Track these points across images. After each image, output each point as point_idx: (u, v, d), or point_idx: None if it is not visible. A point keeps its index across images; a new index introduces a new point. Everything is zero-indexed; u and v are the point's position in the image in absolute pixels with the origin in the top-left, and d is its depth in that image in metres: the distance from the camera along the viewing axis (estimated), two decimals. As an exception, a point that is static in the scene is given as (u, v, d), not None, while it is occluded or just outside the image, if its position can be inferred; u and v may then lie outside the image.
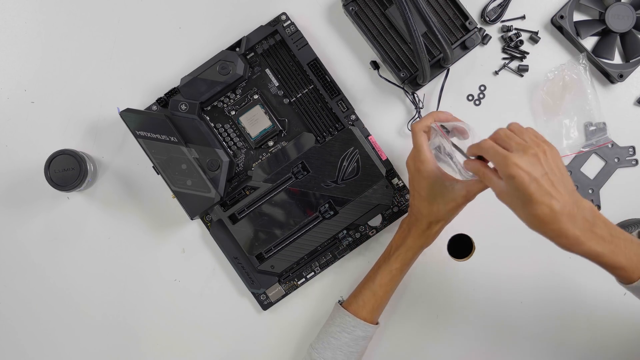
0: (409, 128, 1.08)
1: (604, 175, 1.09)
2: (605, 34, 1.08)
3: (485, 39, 1.10)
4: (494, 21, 1.09)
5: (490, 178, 0.84)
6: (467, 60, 1.10)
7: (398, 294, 1.08)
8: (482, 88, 1.10)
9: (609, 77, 1.08)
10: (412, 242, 0.99)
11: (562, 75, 1.08)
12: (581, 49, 1.08)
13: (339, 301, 1.03)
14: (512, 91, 1.10)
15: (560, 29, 1.09)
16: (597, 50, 1.08)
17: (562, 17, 1.07)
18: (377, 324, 1.02)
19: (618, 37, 1.08)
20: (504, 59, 1.10)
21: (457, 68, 1.10)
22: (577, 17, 1.10)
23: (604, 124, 1.08)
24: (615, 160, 1.09)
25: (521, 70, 1.10)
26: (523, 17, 1.10)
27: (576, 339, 1.08)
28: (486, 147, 0.84)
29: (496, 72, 1.10)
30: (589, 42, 1.09)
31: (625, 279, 0.84)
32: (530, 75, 1.10)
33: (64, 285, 1.10)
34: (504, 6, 1.10)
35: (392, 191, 1.07)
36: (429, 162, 0.94)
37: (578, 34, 1.07)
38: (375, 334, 1.04)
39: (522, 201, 0.80)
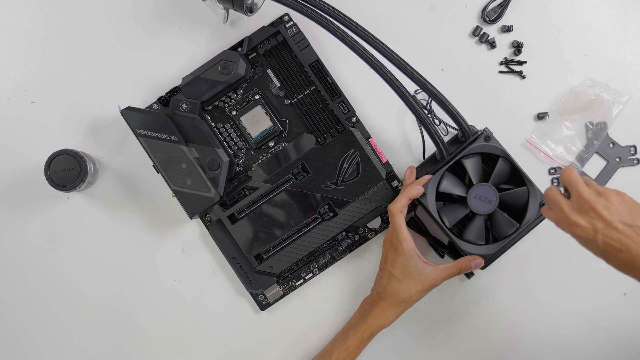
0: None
1: (606, 175, 1.09)
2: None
3: (482, 37, 1.10)
4: (494, 21, 1.10)
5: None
6: (467, 60, 1.11)
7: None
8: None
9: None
10: (372, 320, 0.99)
11: (600, 91, 1.08)
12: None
13: None
14: (511, 92, 1.11)
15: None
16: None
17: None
18: None
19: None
20: (501, 71, 1.11)
21: (457, 67, 1.10)
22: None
23: (605, 124, 1.09)
24: (617, 159, 1.09)
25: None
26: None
27: (576, 339, 1.08)
28: (548, 198, 0.88)
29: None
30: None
31: None
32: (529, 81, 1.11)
33: (63, 286, 1.09)
34: (504, 6, 1.10)
35: (391, 194, 1.07)
36: (407, 241, 0.98)
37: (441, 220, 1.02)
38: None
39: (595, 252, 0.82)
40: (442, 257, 1.08)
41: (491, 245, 1.01)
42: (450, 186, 1.01)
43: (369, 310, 1.00)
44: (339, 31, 0.97)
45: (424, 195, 1.00)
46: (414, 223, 1.08)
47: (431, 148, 1.04)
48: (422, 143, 1.07)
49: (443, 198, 1.03)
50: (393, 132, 1.11)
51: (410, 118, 1.10)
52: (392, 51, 0.98)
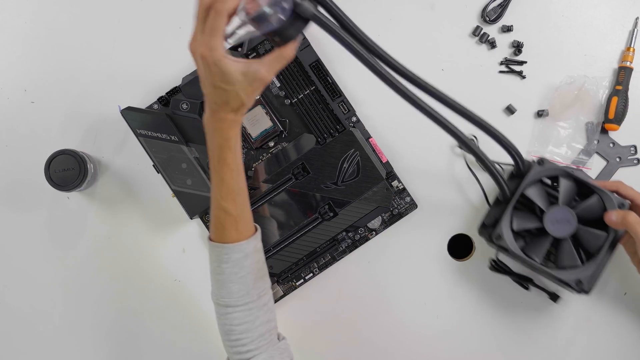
0: None
1: (606, 174, 1.09)
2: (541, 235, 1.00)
3: (483, 37, 1.10)
4: (494, 21, 1.10)
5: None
6: (467, 60, 1.11)
7: (398, 293, 1.08)
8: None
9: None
10: (219, 137, 0.86)
11: (581, 84, 1.08)
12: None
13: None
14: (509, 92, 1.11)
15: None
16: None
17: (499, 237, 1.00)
18: (255, 231, 0.93)
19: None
20: (501, 71, 1.11)
21: (457, 67, 1.10)
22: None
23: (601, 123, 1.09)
24: (617, 159, 1.09)
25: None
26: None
27: (576, 339, 1.08)
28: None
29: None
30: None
31: None
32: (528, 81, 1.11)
33: (63, 285, 1.10)
34: (504, 6, 1.10)
35: (392, 194, 1.07)
36: (217, 50, 0.80)
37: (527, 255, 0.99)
38: (377, 332, 1.06)
39: None
40: (528, 289, 1.07)
41: (589, 263, 0.98)
42: (523, 222, 0.99)
43: (213, 128, 0.86)
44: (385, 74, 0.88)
45: (500, 237, 0.99)
46: (496, 266, 1.07)
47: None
48: (481, 189, 1.07)
49: (522, 236, 1.01)
50: (394, 132, 1.10)
51: (411, 119, 1.10)
52: (442, 92, 0.90)
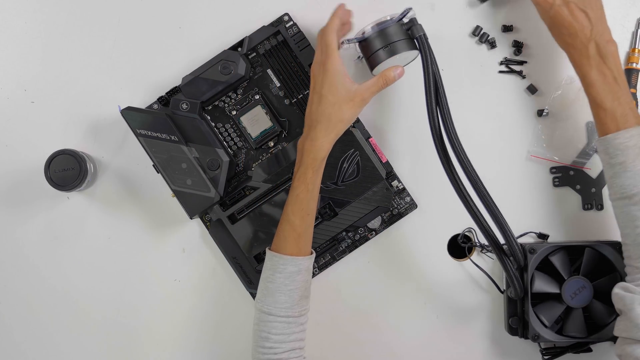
0: None
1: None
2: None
3: (483, 37, 1.10)
4: None
5: None
6: (467, 60, 1.11)
7: (398, 293, 1.09)
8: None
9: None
10: (307, 157, 0.97)
11: (580, 84, 1.08)
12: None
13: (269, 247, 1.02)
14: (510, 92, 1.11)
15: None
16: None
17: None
18: (311, 254, 1.00)
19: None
20: (501, 70, 1.11)
21: (457, 67, 1.10)
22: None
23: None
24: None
25: (532, 91, 1.11)
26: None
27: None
28: None
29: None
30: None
31: (602, 125, 0.95)
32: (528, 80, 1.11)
33: (63, 285, 1.10)
34: (503, 4, 1.10)
35: (391, 194, 1.07)
36: (336, 59, 0.96)
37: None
38: (377, 332, 1.06)
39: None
40: (592, 350, 1.06)
41: (595, 336, 1.01)
42: (543, 285, 1.01)
43: (302, 149, 0.98)
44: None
45: (539, 337, 1.01)
46: (551, 354, 1.07)
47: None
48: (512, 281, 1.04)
49: (537, 295, 1.03)
50: (394, 132, 1.10)
51: (411, 119, 1.10)
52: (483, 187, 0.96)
